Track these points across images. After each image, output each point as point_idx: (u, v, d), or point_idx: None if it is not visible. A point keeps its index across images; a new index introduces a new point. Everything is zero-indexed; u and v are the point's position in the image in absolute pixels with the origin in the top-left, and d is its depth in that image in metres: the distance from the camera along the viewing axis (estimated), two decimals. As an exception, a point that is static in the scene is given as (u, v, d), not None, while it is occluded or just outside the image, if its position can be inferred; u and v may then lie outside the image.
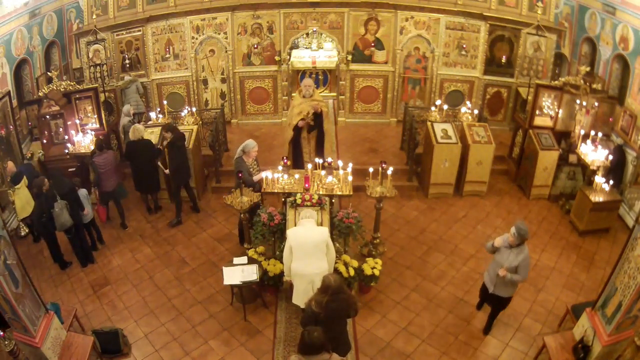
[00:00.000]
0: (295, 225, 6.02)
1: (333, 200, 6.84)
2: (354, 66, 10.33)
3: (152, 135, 8.31)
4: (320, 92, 10.97)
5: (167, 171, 7.78)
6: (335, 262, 6.13)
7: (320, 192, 6.52)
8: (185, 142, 7.92)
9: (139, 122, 8.66)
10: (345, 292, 4.80)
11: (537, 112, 8.55)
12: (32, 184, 6.94)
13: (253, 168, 7.12)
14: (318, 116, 7.68)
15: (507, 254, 5.47)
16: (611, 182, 7.54)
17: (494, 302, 5.88)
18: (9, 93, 8.02)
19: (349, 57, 10.19)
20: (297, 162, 7.89)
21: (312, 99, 7.68)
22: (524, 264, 5.39)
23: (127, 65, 9.94)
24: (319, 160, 6.93)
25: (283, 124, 10.70)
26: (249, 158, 7.05)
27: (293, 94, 11.00)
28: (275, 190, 6.72)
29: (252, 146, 7.01)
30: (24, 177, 7.33)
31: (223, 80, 10.55)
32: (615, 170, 7.83)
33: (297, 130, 7.71)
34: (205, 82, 10.54)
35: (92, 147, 7.81)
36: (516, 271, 5.40)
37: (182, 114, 9.08)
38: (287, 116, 7.95)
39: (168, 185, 8.27)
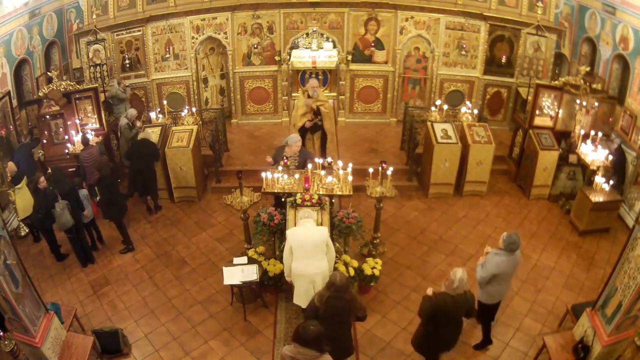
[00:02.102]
0: (294, 226, 6.03)
1: (333, 200, 6.84)
2: (354, 66, 10.33)
3: (152, 135, 8.33)
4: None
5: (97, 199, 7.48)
6: (335, 262, 6.13)
7: (320, 192, 6.52)
8: (116, 179, 7.44)
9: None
10: (350, 293, 4.76)
11: (537, 112, 8.55)
12: (32, 179, 6.97)
13: (291, 162, 7.11)
14: (319, 114, 7.71)
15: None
16: (612, 182, 7.53)
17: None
18: (9, 93, 8.03)
19: (349, 57, 10.19)
20: None
21: (317, 100, 7.71)
22: (486, 262, 5.28)
23: (127, 65, 9.95)
24: (319, 160, 6.93)
25: (283, 124, 10.72)
26: (290, 150, 7.10)
27: (294, 94, 11.05)
28: (276, 190, 6.72)
29: (295, 140, 7.07)
30: (25, 177, 7.35)
31: (222, 77, 10.58)
32: (617, 170, 7.82)
33: (302, 131, 7.72)
34: (205, 81, 10.56)
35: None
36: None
37: (182, 114, 9.10)
38: (292, 117, 7.96)
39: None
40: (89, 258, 7.27)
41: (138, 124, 8.81)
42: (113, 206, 7.27)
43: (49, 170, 7.21)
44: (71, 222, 6.72)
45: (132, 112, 8.76)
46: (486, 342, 5.89)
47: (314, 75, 11.05)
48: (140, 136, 8.04)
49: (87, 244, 7.28)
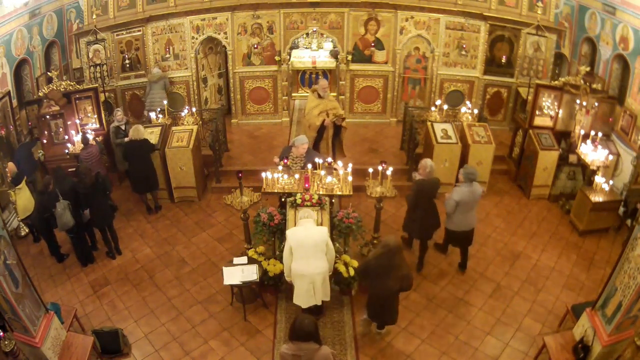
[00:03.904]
0: (294, 226, 6.02)
1: (333, 200, 6.84)
2: (354, 66, 10.32)
3: (152, 135, 8.36)
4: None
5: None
6: (335, 262, 6.13)
7: (320, 192, 6.52)
8: (98, 192, 7.06)
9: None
10: (400, 259, 5.26)
11: (537, 112, 8.55)
12: (41, 181, 6.95)
13: (297, 163, 7.12)
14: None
15: None
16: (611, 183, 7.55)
17: None
18: (9, 93, 8.02)
19: (349, 57, 10.19)
20: None
21: (329, 100, 7.77)
22: (448, 195, 6.48)
23: (127, 65, 9.95)
24: (319, 160, 6.94)
25: (283, 124, 10.72)
26: (296, 151, 7.13)
27: (294, 94, 11.06)
28: (275, 190, 6.72)
29: (302, 142, 7.10)
30: (25, 177, 7.35)
31: (219, 75, 10.60)
32: None
33: (320, 130, 7.74)
34: (205, 80, 10.57)
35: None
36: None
37: (182, 114, 9.10)
38: (306, 117, 7.94)
39: None
40: (89, 258, 7.27)
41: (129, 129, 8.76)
42: (98, 214, 7.09)
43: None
44: (72, 221, 6.72)
45: (118, 112, 8.70)
46: (463, 265, 7.01)
47: (321, 75, 11.04)
48: (130, 134, 7.89)
49: (87, 243, 7.28)
